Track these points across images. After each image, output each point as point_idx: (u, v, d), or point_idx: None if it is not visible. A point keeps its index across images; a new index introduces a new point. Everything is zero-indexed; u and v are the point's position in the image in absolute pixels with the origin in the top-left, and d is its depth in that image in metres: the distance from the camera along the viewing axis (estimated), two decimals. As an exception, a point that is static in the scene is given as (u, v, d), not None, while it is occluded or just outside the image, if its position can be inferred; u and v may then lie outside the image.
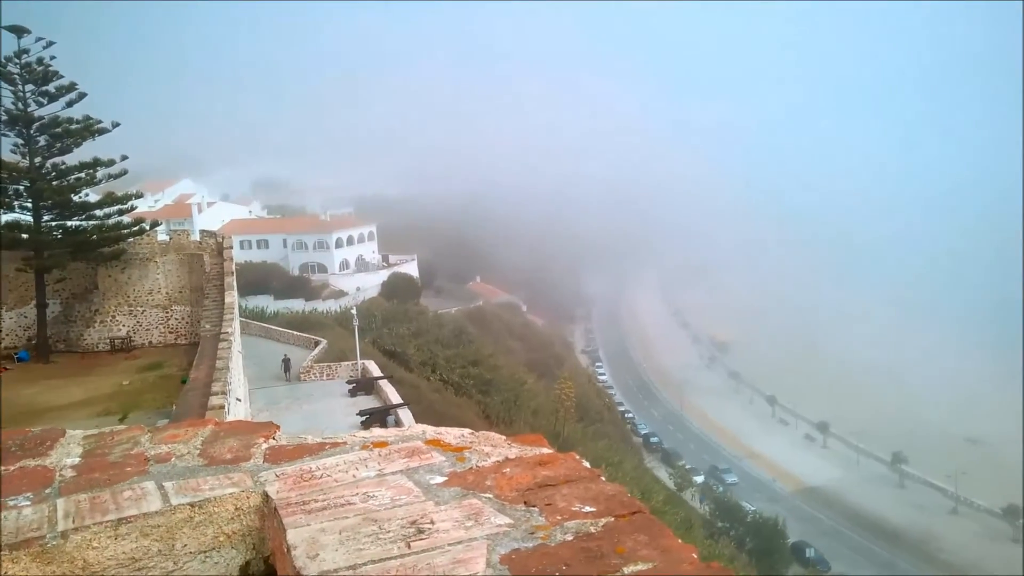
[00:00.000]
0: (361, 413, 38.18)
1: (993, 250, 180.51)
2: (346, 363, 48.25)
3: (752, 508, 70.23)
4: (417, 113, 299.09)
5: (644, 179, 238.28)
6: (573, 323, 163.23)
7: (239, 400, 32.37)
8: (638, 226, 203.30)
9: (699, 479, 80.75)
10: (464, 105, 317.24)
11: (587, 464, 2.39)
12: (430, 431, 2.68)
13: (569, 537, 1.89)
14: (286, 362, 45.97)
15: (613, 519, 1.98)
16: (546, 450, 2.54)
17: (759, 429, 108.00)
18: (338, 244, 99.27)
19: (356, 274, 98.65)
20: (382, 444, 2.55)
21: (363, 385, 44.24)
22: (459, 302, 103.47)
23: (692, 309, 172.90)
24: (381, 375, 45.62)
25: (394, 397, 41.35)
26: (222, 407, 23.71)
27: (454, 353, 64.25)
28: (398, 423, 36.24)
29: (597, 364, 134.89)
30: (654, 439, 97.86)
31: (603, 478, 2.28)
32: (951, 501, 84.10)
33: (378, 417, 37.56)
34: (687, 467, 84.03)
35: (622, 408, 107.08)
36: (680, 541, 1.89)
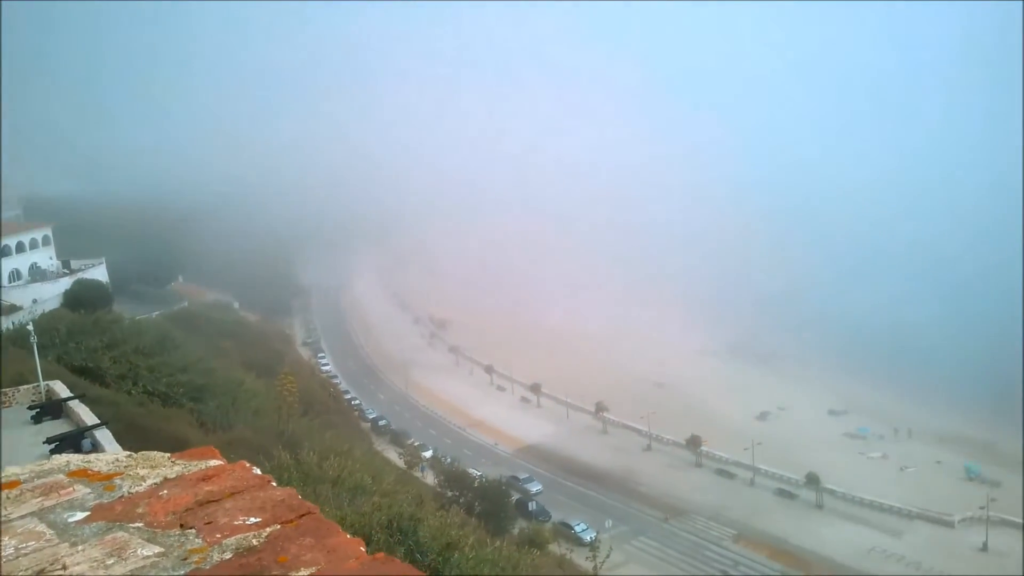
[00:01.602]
0: (48, 441, 33.48)
1: (691, 209, 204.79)
2: (25, 386, 41.76)
3: (479, 474, 73.74)
4: (100, 107, 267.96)
5: (356, 164, 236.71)
6: (291, 316, 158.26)
7: None
8: (351, 212, 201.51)
9: (427, 454, 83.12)
10: (165, 98, 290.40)
11: (258, 471, 2.28)
12: (76, 461, 2.38)
13: (228, 556, 1.77)
14: None
15: (279, 526, 1.90)
16: (215, 462, 2.37)
17: (480, 398, 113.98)
18: (5, 252, 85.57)
19: (30, 284, 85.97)
20: (12, 484, 2.20)
21: (49, 409, 38.83)
22: (161, 306, 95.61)
23: (410, 290, 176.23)
24: (71, 395, 40.37)
25: (89, 418, 36.72)
26: None
27: (159, 361, 58.48)
28: (96, 446, 32.43)
29: (320, 355, 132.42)
30: (382, 422, 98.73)
31: (274, 483, 2.19)
32: (646, 439, 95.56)
33: (71, 442, 33.17)
34: (416, 444, 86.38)
35: (348, 396, 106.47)
36: (348, 537, 1.87)
